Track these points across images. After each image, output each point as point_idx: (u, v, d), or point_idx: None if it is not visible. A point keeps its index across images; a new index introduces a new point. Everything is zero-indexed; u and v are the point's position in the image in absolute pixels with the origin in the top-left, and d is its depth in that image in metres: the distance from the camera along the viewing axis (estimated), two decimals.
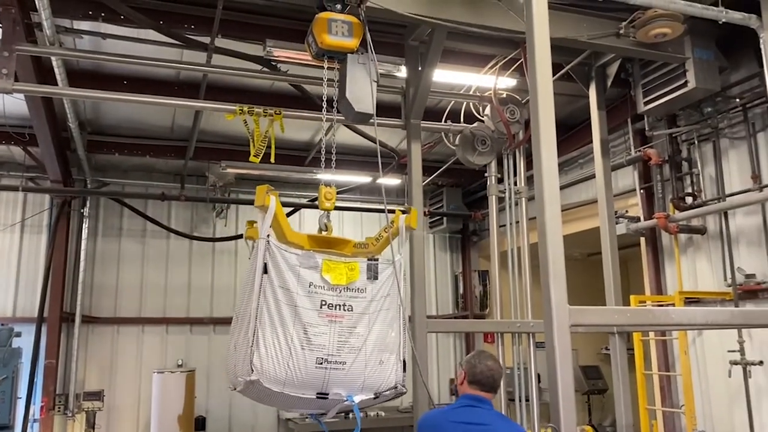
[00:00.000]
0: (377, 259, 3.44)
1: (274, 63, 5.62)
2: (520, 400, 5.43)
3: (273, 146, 4.94)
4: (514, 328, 5.50)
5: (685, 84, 5.48)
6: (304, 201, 9.36)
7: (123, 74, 6.56)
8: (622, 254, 8.59)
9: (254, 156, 4.87)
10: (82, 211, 8.96)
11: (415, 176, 5.36)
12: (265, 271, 3.15)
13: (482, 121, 5.80)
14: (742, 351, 5.48)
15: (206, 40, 5.31)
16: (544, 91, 3.48)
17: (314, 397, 3.14)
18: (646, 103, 5.95)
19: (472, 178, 9.80)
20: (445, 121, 5.78)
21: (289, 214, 9.03)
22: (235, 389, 3.23)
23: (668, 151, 6.53)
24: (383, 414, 8.96)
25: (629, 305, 6.19)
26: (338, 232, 10.81)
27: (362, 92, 3.87)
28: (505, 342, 5.94)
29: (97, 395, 8.20)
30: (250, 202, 9.74)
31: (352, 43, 3.84)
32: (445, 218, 10.18)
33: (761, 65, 4.50)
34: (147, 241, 9.46)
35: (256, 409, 9.48)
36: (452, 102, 6.02)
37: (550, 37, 3.54)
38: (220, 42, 5.41)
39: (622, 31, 4.99)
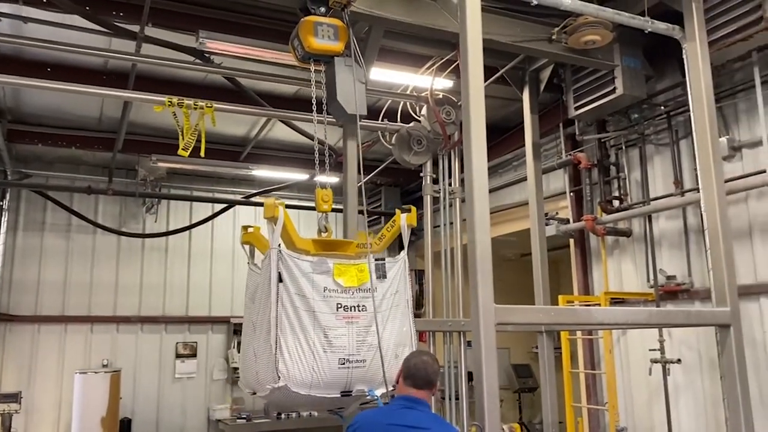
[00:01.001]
0: (384, 259, 3.60)
1: (207, 55, 5.47)
2: (450, 399, 5.47)
3: (203, 140, 4.80)
4: (445, 326, 5.53)
5: (613, 90, 5.66)
6: (239, 197, 9.16)
7: (47, 61, 6.25)
8: (555, 255, 8.79)
9: (183, 150, 4.72)
10: (1, 203, 8.50)
11: (350, 174, 5.33)
12: (281, 279, 3.27)
13: (419, 121, 5.81)
14: (662, 350, 5.70)
15: (135, 28, 5.12)
16: (475, 90, 3.50)
17: (339, 395, 3.33)
18: (576, 108, 6.11)
19: (410, 177, 9.84)
20: (382, 120, 5.77)
21: (223, 211, 8.85)
22: (254, 394, 3.40)
23: (597, 156, 6.72)
24: (315, 414, 8.87)
25: (558, 305, 6.34)
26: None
27: (352, 94, 3.98)
28: (437, 341, 5.98)
29: (14, 397, 7.78)
30: (183, 198, 9.56)
31: (339, 46, 3.95)
32: (383, 217, 10.18)
33: (684, 75, 4.68)
34: (72, 237, 9.05)
35: (186, 411, 9.24)
36: (389, 101, 6.01)
37: (483, 39, 3.58)
38: (151, 31, 5.23)
39: (554, 37, 5.10)
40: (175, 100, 4.81)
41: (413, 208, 3.93)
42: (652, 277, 6.04)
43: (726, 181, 5.23)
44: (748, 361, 5.18)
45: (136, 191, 8.69)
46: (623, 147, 6.56)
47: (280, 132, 8.05)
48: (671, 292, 5.83)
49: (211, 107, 4.88)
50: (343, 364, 3.32)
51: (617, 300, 6.23)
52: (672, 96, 5.98)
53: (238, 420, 8.68)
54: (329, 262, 3.41)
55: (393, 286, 3.59)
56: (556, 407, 5.70)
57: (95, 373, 7.93)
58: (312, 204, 9.99)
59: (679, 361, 5.62)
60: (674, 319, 4.00)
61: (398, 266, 3.66)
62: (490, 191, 8.55)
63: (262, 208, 10.03)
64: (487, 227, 3.46)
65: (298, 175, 8.54)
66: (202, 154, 4.78)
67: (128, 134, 7.78)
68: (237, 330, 9.48)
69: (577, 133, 6.87)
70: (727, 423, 4.03)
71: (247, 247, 3.75)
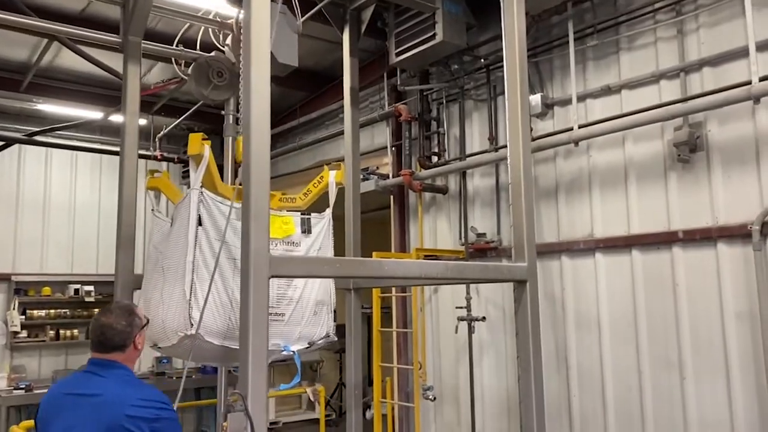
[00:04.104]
0: (309, 214, 3.57)
1: None
2: None
3: None
4: None
5: (433, 36, 5.37)
6: (19, 135, 7.82)
7: None
8: (383, 214, 8.55)
9: None
10: None
11: (130, 107, 4.51)
12: (200, 223, 3.13)
13: (222, 52, 5.13)
14: (468, 308, 5.61)
15: None
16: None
17: None
18: (397, 54, 5.76)
19: None
20: (177, 46, 5.01)
21: (1, 149, 7.52)
22: (156, 345, 3.18)
23: (419, 109, 6.46)
24: None
25: None
26: (45, 174, 9.15)
27: (284, 43, 3.84)
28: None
29: None
30: None
31: None
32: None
33: None
34: None
35: None
36: (187, 25, 5.23)
37: None
38: None
39: None
40: None
41: (342, 165, 3.87)
42: (464, 234, 5.93)
43: (536, 138, 5.19)
44: (548, 318, 5.24)
45: None
46: (444, 102, 6.36)
47: (69, 60, 6.91)
48: (481, 250, 5.75)
49: None
50: None
51: (430, 257, 6.06)
52: (493, 49, 5.81)
53: (15, 391, 7.55)
54: None
55: (317, 243, 3.51)
56: (361, 367, 5.42)
57: None
58: (115, 148, 8.87)
59: (484, 318, 5.57)
60: (471, 273, 3.79)
61: (323, 223, 3.59)
62: (315, 143, 8.16)
63: (53, 150, 8.68)
64: (266, 166, 2.96)
65: (93, 113, 7.43)
66: None
67: None
68: (20, 288, 8.25)
69: (398, 82, 6.54)
70: (519, 380, 3.92)
71: (152, 192, 3.64)
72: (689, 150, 4.41)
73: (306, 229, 3.52)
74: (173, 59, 5.04)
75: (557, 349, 5.18)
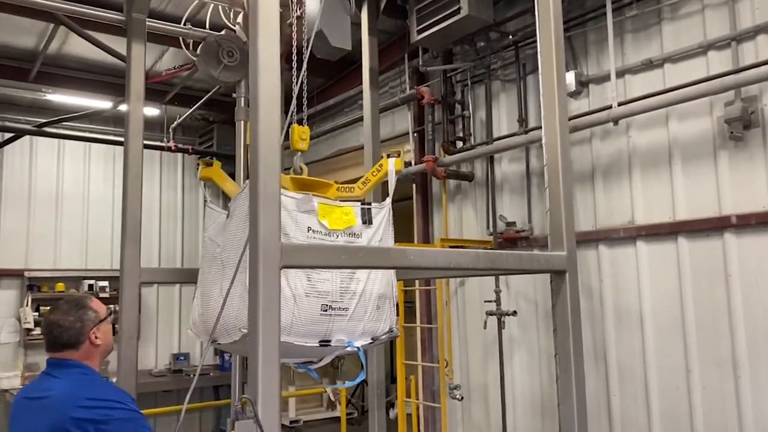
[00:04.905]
0: (370, 204, 3.41)
1: None
2: None
3: None
4: None
5: (458, 11, 5.01)
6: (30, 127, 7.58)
7: None
8: (405, 204, 8.25)
9: None
10: None
11: (134, 89, 4.23)
12: None
13: (233, 31, 4.82)
14: (498, 301, 5.27)
15: None
16: None
17: (317, 344, 3.04)
18: (419, 32, 5.41)
19: None
20: (185, 25, 4.72)
21: (9, 141, 7.31)
22: (216, 342, 3.08)
23: (442, 92, 6.11)
24: None
25: None
26: (57, 167, 8.86)
27: (338, 25, 3.75)
28: None
29: None
30: None
31: None
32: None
33: None
34: None
35: None
36: (195, 2, 4.94)
37: None
38: None
39: None
40: None
41: (401, 152, 3.81)
42: (492, 223, 5.58)
43: (571, 118, 4.81)
44: (585, 312, 4.86)
45: None
46: (469, 83, 5.99)
47: (77, 47, 6.67)
48: (510, 240, 5.39)
49: None
50: (326, 311, 3.06)
51: (456, 248, 5.71)
52: (522, 25, 5.43)
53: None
54: (314, 201, 3.11)
55: (378, 234, 3.33)
56: (383, 364, 5.11)
57: None
58: (119, 138, 8.63)
59: (515, 313, 5.22)
60: (504, 263, 3.43)
61: (384, 213, 3.40)
62: (334, 130, 7.84)
63: (65, 142, 8.43)
64: (275, 139, 2.65)
65: (102, 103, 7.17)
66: None
67: None
68: (33, 285, 8.06)
69: (420, 63, 6.19)
70: (558, 380, 3.56)
71: (203, 183, 3.65)
72: (742, 126, 4.01)
73: (367, 219, 3.34)
74: (182, 41, 4.74)
75: (595, 346, 4.82)
